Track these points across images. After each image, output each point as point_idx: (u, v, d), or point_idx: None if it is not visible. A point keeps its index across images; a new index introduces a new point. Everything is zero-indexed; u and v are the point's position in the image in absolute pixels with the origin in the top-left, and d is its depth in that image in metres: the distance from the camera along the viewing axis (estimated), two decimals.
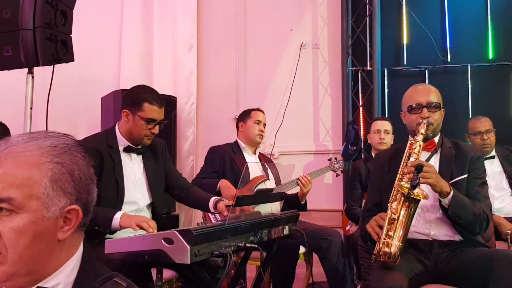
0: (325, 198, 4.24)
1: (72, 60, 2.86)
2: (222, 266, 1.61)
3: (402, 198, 1.78)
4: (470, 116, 3.78)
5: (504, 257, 1.71)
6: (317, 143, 4.41)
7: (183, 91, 4.53)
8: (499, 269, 1.65)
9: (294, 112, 4.41)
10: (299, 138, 4.43)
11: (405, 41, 4.05)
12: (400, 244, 1.74)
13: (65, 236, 0.89)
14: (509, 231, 2.78)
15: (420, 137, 1.97)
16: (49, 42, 2.68)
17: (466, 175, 2.01)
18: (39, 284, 0.87)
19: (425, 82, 3.94)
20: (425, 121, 2.00)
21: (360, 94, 4.14)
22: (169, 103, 4.03)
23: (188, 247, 1.49)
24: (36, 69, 2.75)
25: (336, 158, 3.39)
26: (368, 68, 4.06)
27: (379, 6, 3.99)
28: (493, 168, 3.30)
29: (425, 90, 2.10)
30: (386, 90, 4.08)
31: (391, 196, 1.86)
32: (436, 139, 2.11)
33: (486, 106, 3.79)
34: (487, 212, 1.94)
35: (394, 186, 1.88)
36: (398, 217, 1.75)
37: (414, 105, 2.06)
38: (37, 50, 2.64)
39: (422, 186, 1.81)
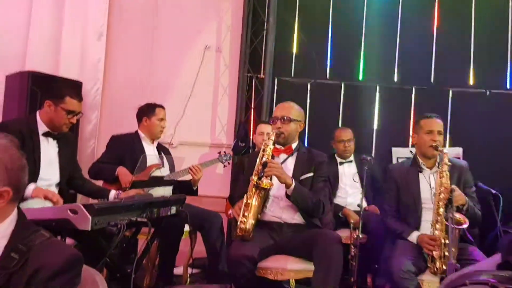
0: (216, 185, 4.77)
1: None
2: (116, 234, 2.04)
3: (254, 187, 2.36)
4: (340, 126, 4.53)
5: (323, 235, 2.39)
6: (213, 137, 4.92)
7: (90, 77, 4.74)
8: (320, 243, 2.32)
9: (195, 107, 4.84)
10: (198, 131, 4.89)
11: (294, 56, 4.72)
12: (253, 221, 2.33)
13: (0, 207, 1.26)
14: (353, 221, 3.50)
15: (270, 142, 2.56)
16: None
17: (312, 174, 2.64)
18: None
19: (307, 94, 4.65)
20: (275, 131, 2.61)
21: (253, 98, 4.72)
22: (74, 87, 4.28)
23: (90, 217, 1.91)
24: None
25: (225, 152, 3.91)
26: (262, 75, 4.66)
27: (275, 24, 4.59)
28: (350, 170, 4.06)
29: (283, 107, 2.72)
30: (275, 97, 4.71)
31: (248, 186, 2.45)
32: (294, 145, 2.73)
33: (351, 119, 4.57)
34: (324, 201, 2.59)
35: (250, 179, 2.46)
36: (252, 202, 2.33)
37: (273, 117, 2.66)
38: None
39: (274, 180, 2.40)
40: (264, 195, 2.41)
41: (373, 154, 4.50)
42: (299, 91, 4.65)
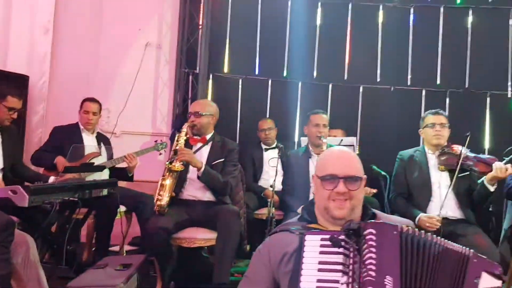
0: (158, 171, 5.21)
1: None
2: (50, 210, 2.49)
3: (167, 170, 2.88)
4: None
5: (224, 210, 2.95)
6: (154, 127, 5.35)
7: (37, 71, 5.03)
8: (221, 217, 2.87)
9: (137, 100, 5.20)
10: (140, 122, 5.30)
11: (227, 54, 5.21)
12: (168, 199, 2.83)
13: None
14: (269, 200, 4.03)
15: (183, 133, 3.07)
16: None
17: (223, 159, 3.17)
18: None
19: (239, 89, 5.17)
20: (189, 124, 3.11)
21: (190, 92, 5.19)
22: (21, 81, 4.63)
23: (27, 196, 2.34)
24: None
25: (161, 141, 4.36)
26: (197, 71, 5.13)
27: (209, 25, 5.05)
28: (274, 155, 4.60)
29: (196, 103, 3.27)
30: (210, 91, 5.20)
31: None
32: (209, 136, 3.23)
33: (277, 111, 5.11)
34: (231, 182, 3.12)
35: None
36: (165, 182, 2.85)
37: (188, 112, 3.19)
38: None
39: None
40: (177, 176, 2.92)
41: (295, 142, 5.09)
42: (232, 86, 5.16)
